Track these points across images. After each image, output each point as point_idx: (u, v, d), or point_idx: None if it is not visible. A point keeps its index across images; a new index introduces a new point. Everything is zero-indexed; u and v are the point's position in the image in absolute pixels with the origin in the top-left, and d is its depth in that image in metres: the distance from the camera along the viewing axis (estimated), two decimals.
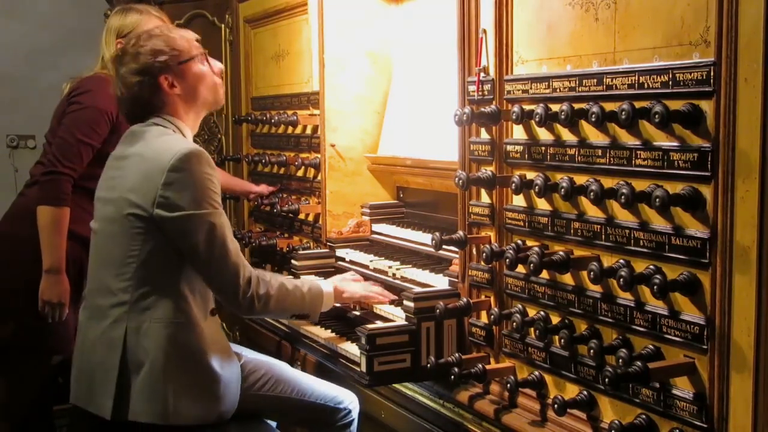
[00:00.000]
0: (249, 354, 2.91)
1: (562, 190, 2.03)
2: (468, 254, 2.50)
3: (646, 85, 1.85)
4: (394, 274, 2.98)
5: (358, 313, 2.99)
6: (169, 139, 2.55)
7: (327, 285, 2.84)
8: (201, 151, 2.49)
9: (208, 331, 2.56)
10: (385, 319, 2.86)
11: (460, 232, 2.43)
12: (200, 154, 2.48)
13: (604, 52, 1.99)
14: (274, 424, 2.84)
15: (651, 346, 1.89)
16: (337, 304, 2.93)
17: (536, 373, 2.25)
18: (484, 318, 2.46)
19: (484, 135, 2.41)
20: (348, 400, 2.85)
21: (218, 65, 2.76)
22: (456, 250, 2.55)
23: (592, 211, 2.04)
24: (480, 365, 2.31)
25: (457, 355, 2.41)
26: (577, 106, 2.00)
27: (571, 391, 2.13)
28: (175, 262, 2.50)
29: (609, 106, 1.92)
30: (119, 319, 2.50)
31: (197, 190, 2.45)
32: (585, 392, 2.08)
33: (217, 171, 2.54)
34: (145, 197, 2.46)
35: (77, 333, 2.69)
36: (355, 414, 2.86)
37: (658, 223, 1.86)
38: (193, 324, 2.51)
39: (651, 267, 1.87)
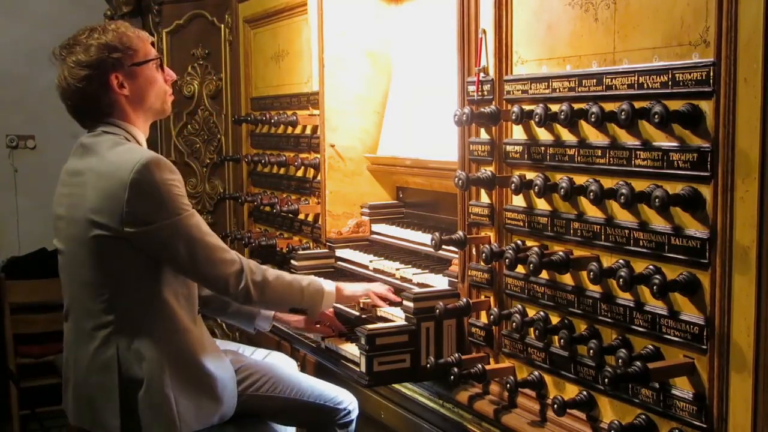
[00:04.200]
0: (249, 353, 2.91)
1: (562, 190, 2.03)
2: (468, 254, 2.50)
3: (645, 86, 1.85)
4: (393, 274, 2.98)
5: (357, 313, 2.98)
6: (123, 150, 2.46)
7: (329, 284, 2.80)
8: (158, 157, 2.42)
9: (197, 333, 2.55)
10: (385, 320, 2.85)
11: (460, 233, 2.43)
12: (158, 161, 2.41)
13: (603, 52, 1.99)
14: (274, 424, 2.84)
15: (650, 346, 1.89)
16: (340, 306, 2.92)
17: (536, 373, 2.25)
18: (483, 318, 2.46)
19: (484, 135, 2.41)
20: (347, 400, 2.85)
21: (172, 74, 2.68)
22: (456, 250, 2.55)
23: (592, 212, 2.04)
24: (480, 365, 2.31)
25: (456, 355, 2.41)
26: (576, 106, 2.00)
27: (571, 391, 2.13)
28: (153, 273, 2.46)
29: (608, 106, 1.92)
30: (107, 340, 2.47)
31: (164, 200, 2.39)
32: (584, 392, 2.08)
33: (177, 173, 2.46)
34: (110, 216, 2.39)
35: (64, 349, 2.63)
36: (354, 414, 2.86)
37: (658, 223, 1.86)
38: (182, 329, 2.50)
39: (650, 267, 1.87)
